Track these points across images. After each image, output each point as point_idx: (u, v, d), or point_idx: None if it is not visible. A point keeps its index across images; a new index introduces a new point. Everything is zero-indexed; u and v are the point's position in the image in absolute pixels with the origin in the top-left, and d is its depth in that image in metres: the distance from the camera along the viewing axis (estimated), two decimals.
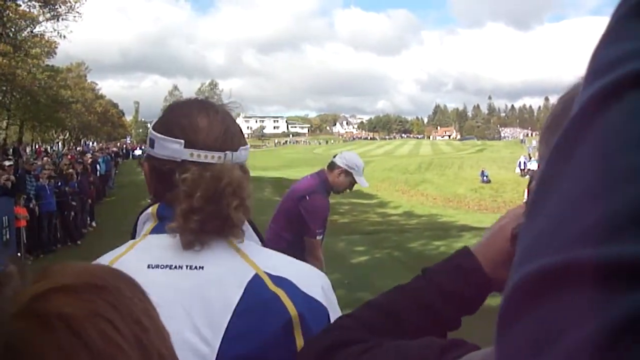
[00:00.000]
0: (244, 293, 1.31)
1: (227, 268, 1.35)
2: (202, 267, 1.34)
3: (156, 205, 1.47)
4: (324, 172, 5.49)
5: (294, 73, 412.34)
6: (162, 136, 1.44)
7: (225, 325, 1.28)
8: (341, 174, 5.38)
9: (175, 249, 1.36)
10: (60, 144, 60.66)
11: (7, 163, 15.84)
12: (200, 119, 1.45)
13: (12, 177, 13.99)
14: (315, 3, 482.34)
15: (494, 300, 1.01)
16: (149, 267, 1.35)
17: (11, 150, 31.15)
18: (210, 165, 1.38)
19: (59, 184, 15.85)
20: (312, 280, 1.41)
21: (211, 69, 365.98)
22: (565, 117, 0.32)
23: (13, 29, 31.42)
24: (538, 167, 0.87)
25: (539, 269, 0.31)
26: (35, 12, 32.56)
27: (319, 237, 5.31)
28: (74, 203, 16.11)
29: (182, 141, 1.41)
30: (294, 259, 1.50)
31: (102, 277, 0.76)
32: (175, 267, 1.34)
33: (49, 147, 49.65)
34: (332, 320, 1.32)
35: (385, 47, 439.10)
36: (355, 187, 5.52)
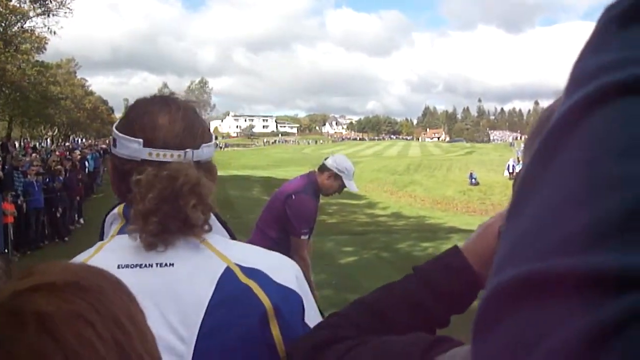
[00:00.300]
0: (216, 287, 1.30)
1: (197, 263, 1.34)
2: (172, 264, 1.33)
3: (122, 205, 1.45)
4: (314, 174, 5.46)
5: (284, 72, 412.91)
6: (123, 135, 1.42)
7: (200, 322, 1.27)
8: (330, 177, 5.36)
9: (143, 248, 1.35)
10: (49, 140, 60.29)
11: None
12: (161, 116, 1.43)
13: (0, 173, 13.91)
14: (307, 3, 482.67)
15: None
16: (119, 267, 1.32)
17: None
18: (168, 164, 1.36)
19: (47, 180, 15.76)
20: (284, 270, 1.40)
21: (201, 67, 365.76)
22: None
23: (3, 24, 31.15)
24: None
25: (521, 274, 0.31)
26: (26, 8, 32.28)
27: (304, 237, 5.27)
28: (61, 199, 16.02)
29: (141, 140, 1.39)
30: (265, 250, 1.49)
31: (86, 277, 0.75)
32: (145, 265, 1.33)
33: (37, 144, 49.27)
34: (306, 309, 1.34)
35: (376, 47, 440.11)
36: (345, 188, 5.50)
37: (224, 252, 1.37)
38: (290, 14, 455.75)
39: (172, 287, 1.30)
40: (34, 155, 22.21)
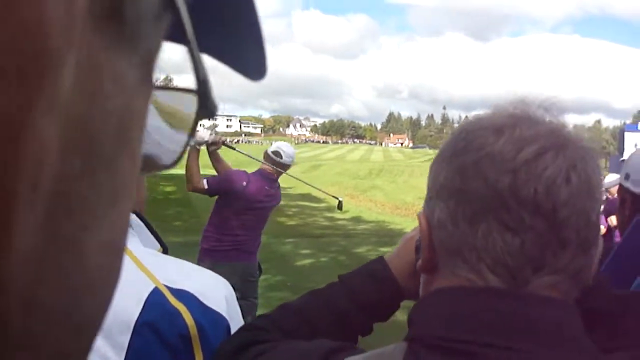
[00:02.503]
0: (143, 308, 1.23)
1: (125, 282, 1.16)
2: None
3: None
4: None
5: None
6: None
7: (127, 345, 1.21)
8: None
9: None
10: None
11: None
12: None
13: None
14: (275, 3, 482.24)
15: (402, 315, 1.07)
16: None
17: None
18: None
19: None
20: (214, 292, 1.34)
21: (166, 64, 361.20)
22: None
23: None
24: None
25: None
26: None
27: (204, 182, 5.35)
28: None
29: None
30: (196, 267, 1.44)
31: None
32: None
33: None
34: (232, 331, 1.29)
35: (343, 51, 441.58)
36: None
37: (152, 270, 1.30)
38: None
39: None
40: None
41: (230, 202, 5.35)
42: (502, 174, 0.77)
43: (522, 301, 0.78)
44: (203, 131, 5.40)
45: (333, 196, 8.00)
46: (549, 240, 0.76)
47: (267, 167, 5.56)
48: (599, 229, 0.82)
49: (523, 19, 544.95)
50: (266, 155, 5.61)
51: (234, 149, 6.36)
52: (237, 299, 1.37)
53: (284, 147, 5.70)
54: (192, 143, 5.04)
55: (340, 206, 7.29)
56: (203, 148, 5.38)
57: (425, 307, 0.86)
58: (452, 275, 0.83)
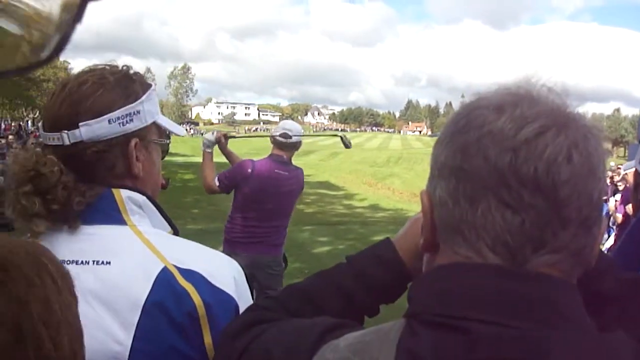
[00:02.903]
0: (152, 288, 1.26)
1: (135, 262, 1.29)
2: (110, 262, 1.28)
3: None
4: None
5: (268, 60, 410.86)
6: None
7: (136, 323, 1.23)
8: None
9: (80, 242, 1.31)
10: (29, 122, 59.60)
11: None
12: (52, 97, 1.37)
13: None
14: None
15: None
16: None
17: None
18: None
19: None
20: (222, 272, 1.36)
21: (184, 52, 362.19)
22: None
23: None
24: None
25: None
26: None
27: (215, 181, 5.25)
28: None
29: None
30: (204, 248, 1.44)
31: (4, 255, 0.73)
32: (82, 262, 1.28)
33: (23, 125, 48.70)
34: (241, 311, 1.29)
35: (361, 38, 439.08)
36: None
37: (161, 250, 1.32)
38: (275, 1, 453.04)
39: (108, 287, 1.25)
40: (11, 137, 22.04)
41: (243, 192, 5.24)
42: (503, 152, 0.77)
43: (520, 278, 0.78)
44: (208, 134, 5.39)
45: (333, 135, 7.75)
46: (549, 218, 0.76)
47: (276, 151, 5.36)
48: (601, 208, 0.81)
49: (541, 6, 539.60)
50: (275, 141, 5.38)
51: (236, 137, 6.13)
52: (258, 289, 1.37)
53: (289, 125, 5.48)
54: (201, 148, 5.16)
55: (345, 142, 6.79)
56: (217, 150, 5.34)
57: (424, 284, 0.87)
58: (453, 253, 0.83)
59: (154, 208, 1.41)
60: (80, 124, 1.31)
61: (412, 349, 0.78)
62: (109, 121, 1.33)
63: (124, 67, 1.44)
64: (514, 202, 0.76)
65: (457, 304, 0.78)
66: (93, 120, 1.32)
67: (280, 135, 5.29)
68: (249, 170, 5.20)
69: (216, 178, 5.24)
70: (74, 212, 1.31)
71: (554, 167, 0.75)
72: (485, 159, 0.78)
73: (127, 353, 1.22)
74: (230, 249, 5.17)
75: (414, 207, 25.83)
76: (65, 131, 1.31)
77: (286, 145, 5.32)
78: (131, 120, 1.36)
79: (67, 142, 1.31)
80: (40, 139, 1.37)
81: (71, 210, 1.30)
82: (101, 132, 1.33)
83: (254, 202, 5.24)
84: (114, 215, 1.35)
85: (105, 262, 1.28)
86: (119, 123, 1.35)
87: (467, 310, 0.77)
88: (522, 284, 0.77)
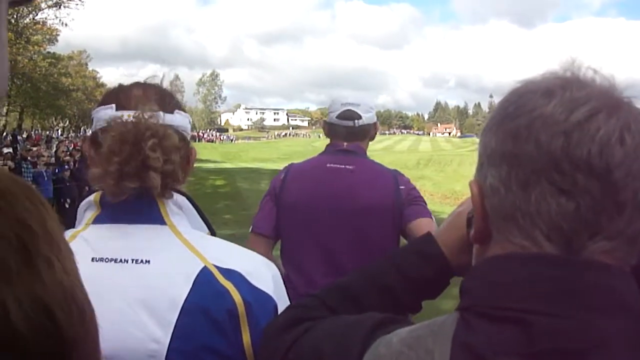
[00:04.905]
0: (192, 287, 1.26)
1: (174, 261, 1.30)
2: (149, 261, 1.29)
3: (98, 193, 1.40)
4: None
5: (295, 65, 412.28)
6: (97, 108, 1.42)
7: (174, 322, 1.23)
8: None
9: (120, 240, 1.32)
10: (59, 131, 60.61)
11: (5, 150, 15.86)
12: (135, 89, 1.43)
13: (11, 164, 14.03)
14: None
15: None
16: (93, 260, 1.28)
17: (10, 137, 31.15)
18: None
19: (57, 170, 15.87)
20: (261, 272, 1.37)
21: (212, 59, 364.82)
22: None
23: (15, 16, 31.33)
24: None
25: None
26: None
27: (255, 232, 3.05)
28: (70, 189, 16.09)
29: (114, 105, 1.38)
30: (242, 249, 1.46)
31: None
32: (121, 260, 1.29)
33: (52, 135, 49.51)
34: (279, 311, 1.28)
35: (388, 41, 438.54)
36: None
37: (201, 250, 1.33)
38: (301, 6, 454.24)
39: (147, 286, 1.26)
40: (41, 146, 22.37)
41: (286, 219, 3.00)
42: (555, 136, 0.75)
43: (577, 268, 0.76)
44: None
45: None
46: (604, 203, 0.74)
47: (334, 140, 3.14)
48: None
49: (567, 3, 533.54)
50: (330, 129, 3.17)
51: None
52: None
53: (352, 99, 3.22)
54: None
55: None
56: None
57: (478, 275, 0.85)
58: (506, 242, 0.81)
59: (193, 209, 1.42)
60: (177, 110, 1.44)
61: (468, 343, 0.76)
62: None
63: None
64: (568, 187, 0.74)
65: (514, 295, 0.76)
66: (184, 113, 1.47)
67: (339, 117, 3.11)
68: (281, 177, 3.11)
69: (252, 231, 3.06)
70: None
71: (607, 149, 0.73)
72: (537, 143, 0.76)
73: (165, 352, 1.22)
74: None
75: (445, 209, 25.73)
76: (162, 112, 1.36)
77: (351, 131, 3.12)
78: None
79: (161, 120, 1.36)
80: None
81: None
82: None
83: (305, 223, 2.95)
84: (153, 215, 1.35)
85: (144, 261, 1.29)
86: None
87: (525, 302, 0.75)
88: (580, 274, 0.75)
